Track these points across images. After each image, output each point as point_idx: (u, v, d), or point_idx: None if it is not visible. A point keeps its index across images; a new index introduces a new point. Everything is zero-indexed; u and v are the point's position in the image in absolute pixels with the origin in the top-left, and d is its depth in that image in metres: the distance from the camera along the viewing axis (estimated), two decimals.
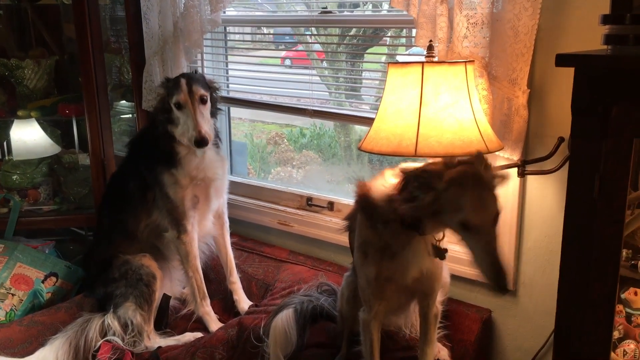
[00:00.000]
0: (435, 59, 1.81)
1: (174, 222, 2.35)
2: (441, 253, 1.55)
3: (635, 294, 1.49)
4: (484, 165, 1.39)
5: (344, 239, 2.20)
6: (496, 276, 1.34)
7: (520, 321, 2.08)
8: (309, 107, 2.56)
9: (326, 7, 2.51)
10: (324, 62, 3.05)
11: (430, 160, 1.55)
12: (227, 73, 2.94)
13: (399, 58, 2.55)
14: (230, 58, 2.98)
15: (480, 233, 1.34)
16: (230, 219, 2.56)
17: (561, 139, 1.80)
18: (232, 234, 2.58)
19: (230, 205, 2.63)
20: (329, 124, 3.56)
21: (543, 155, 1.85)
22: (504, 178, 1.43)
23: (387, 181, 1.54)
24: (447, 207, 1.36)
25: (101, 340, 2.22)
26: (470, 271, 2.10)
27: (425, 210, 1.39)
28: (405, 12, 2.01)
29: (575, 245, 1.37)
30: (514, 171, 1.91)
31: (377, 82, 2.61)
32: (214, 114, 2.36)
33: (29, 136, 2.98)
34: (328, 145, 3.76)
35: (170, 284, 2.51)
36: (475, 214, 1.34)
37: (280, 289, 2.36)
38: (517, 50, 1.81)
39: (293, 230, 2.63)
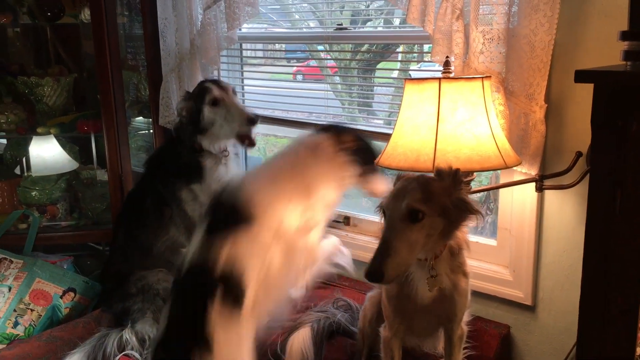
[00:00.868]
0: (452, 75, 1.82)
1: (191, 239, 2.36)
2: (432, 284, 1.53)
3: None
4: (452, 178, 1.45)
5: (359, 253, 2.21)
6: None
7: (540, 337, 2.06)
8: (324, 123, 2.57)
9: (341, 24, 2.54)
10: (336, 77, 3.07)
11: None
12: (243, 89, 2.97)
13: (412, 73, 2.56)
14: (245, 74, 3.01)
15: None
16: None
17: (579, 154, 1.80)
18: None
19: None
20: None
21: (561, 170, 1.84)
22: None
23: None
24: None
25: (119, 355, 2.23)
26: (488, 286, 2.10)
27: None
28: (418, 28, 2.02)
29: (596, 261, 1.36)
30: (531, 186, 1.91)
31: (390, 97, 2.63)
32: None
33: (47, 152, 3.03)
34: None
35: None
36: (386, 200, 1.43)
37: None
38: (534, 65, 1.81)
39: None
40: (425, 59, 2.44)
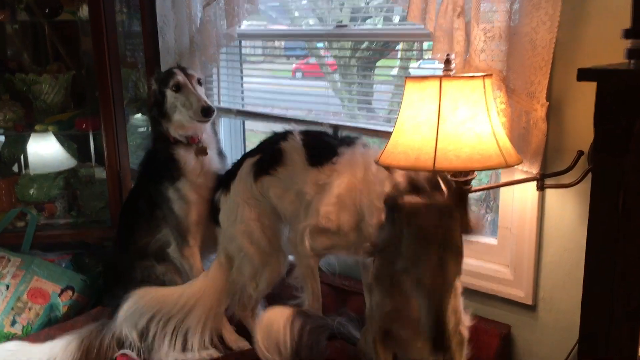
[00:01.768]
0: (453, 73, 1.81)
1: (178, 237, 2.38)
2: None
3: None
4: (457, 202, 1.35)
5: None
6: (435, 334, 1.29)
7: (540, 336, 2.05)
8: (323, 121, 2.56)
9: (341, 22, 2.52)
10: (336, 74, 3.06)
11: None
12: (242, 87, 2.96)
13: (412, 71, 2.55)
14: (244, 72, 3.00)
15: (431, 297, 1.29)
16: None
17: (580, 153, 1.79)
18: None
19: None
20: None
21: (562, 168, 1.83)
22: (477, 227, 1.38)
23: None
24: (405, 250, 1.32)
25: (118, 353, 2.22)
26: (488, 286, 2.09)
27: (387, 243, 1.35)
28: (418, 25, 2.01)
29: (598, 260, 1.35)
30: (532, 185, 1.90)
31: (390, 94, 2.61)
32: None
33: (45, 150, 3.01)
34: None
35: None
36: (430, 276, 1.28)
37: None
38: (535, 63, 1.80)
39: None
40: (425, 56, 2.43)
